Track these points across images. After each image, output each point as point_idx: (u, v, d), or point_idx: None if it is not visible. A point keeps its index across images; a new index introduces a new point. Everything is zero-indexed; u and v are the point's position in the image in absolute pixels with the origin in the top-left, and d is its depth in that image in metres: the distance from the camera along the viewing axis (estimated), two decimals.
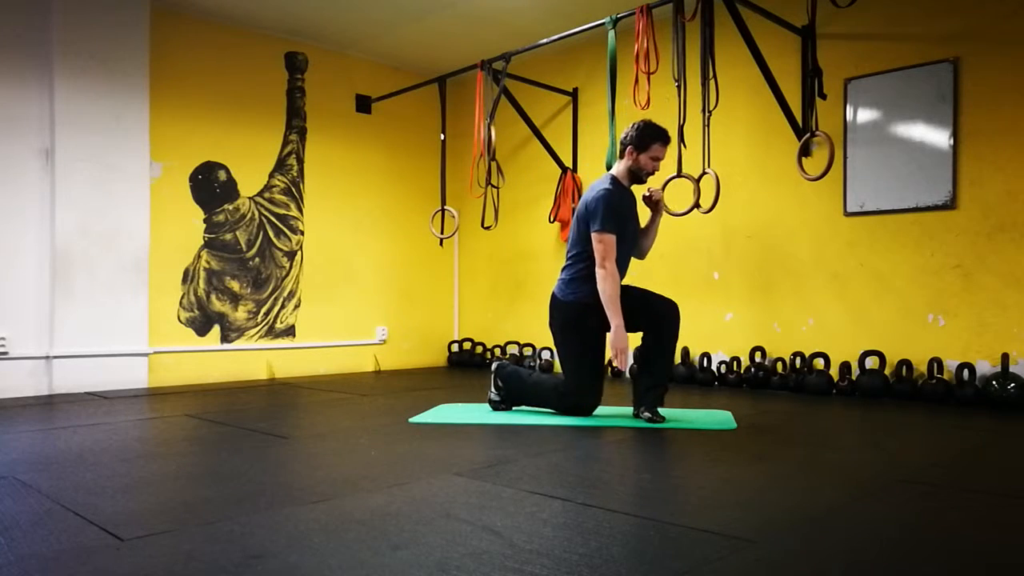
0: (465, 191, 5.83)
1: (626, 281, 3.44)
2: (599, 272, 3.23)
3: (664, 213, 3.53)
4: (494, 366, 3.66)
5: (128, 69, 4.61)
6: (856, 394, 4.12)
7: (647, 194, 3.43)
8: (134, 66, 4.63)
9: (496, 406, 3.60)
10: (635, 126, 3.32)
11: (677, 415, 3.40)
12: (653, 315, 3.32)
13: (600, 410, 3.58)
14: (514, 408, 3.62)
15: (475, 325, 6.44)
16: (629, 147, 3.33)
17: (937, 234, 4.03)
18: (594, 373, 3.37)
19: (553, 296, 3.46)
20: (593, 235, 3.26)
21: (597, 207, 3.25)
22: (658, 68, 3.97)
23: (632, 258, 3.52)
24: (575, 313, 3.36)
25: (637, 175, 3.37)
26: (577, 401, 3.37)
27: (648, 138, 3.29)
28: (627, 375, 3.35)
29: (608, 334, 3.28)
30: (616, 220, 3.26)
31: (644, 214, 3.53)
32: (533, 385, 3.53)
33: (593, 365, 3.37)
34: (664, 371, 3.31)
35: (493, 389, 3.62)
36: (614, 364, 3.23)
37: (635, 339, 3.45)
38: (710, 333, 4.88)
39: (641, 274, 4.93)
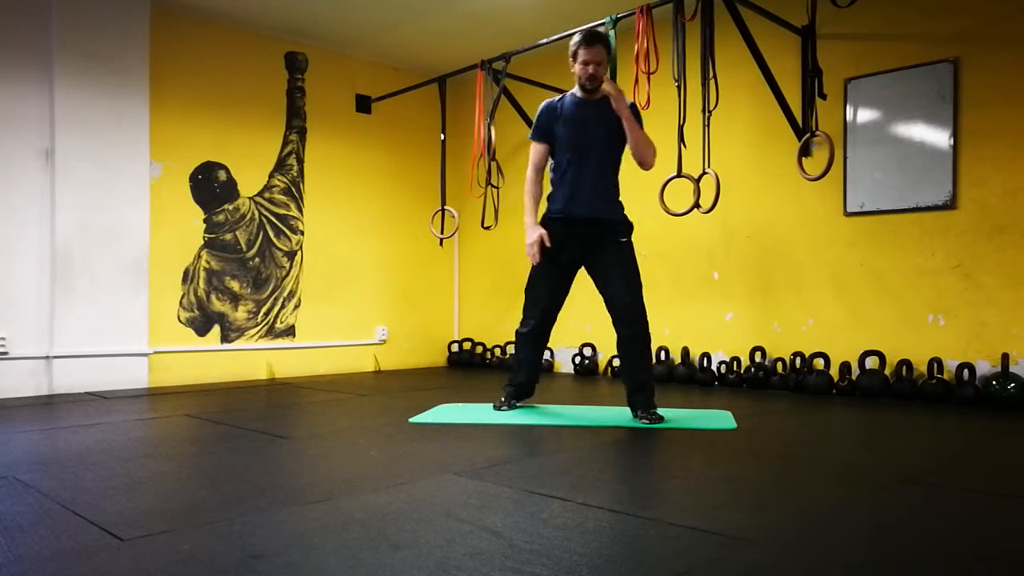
0: (465, 191, 5.83)
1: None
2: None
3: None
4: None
5: (128, 69, 4.61)
6: (856, 394, 4.12)
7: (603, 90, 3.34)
8: (134, 66, 4.63)
9: (497, 406, 3.58)
10: None
11: (677, 415, 3.40)
12: (616, 313, 3.31)
13: (600, 410, 3.58)
14: (516, 407, 3.59)
15: (475, 325, 6.44)
16: (570, 59, 3.34)
17: (937, 234, 4.03)
18: (534, 283, 3.45)
19: None
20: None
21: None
22: (658, 68, 3.97)
23: (640, 168, 3.39)
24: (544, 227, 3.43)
25: (583, 86, 3.33)
26: (521, 321, 3.51)
27: (573, 45, 3.30)
28: (532, 263, 3.39)
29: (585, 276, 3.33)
30: (542, 130, 3.38)
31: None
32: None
33: (533, 276, 3.45)
34: (641, 370, 3.27)
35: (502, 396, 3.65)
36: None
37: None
38: (710, 333, 4.88)
39: (642, 274, 4.93)
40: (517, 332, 3.56)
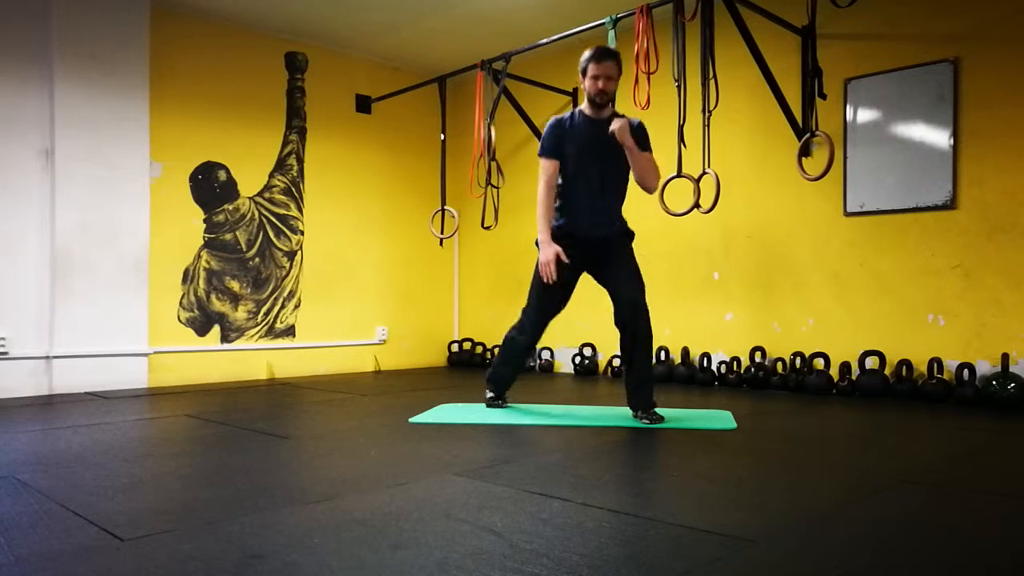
0: (465, 191, 5.83)
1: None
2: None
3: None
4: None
5: (128, 69, 4.61)
6: (856, 394, 4.12)
7: (610, 129, 3.30)
8: (134, 66, 4.63)
9: (490, 403, 3.64)
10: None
11: (677, 415, 3.40)
12: (620, 313, 3.29)
13: (600, 410, 3.58)
14: (508, 405, 3.64)
15: (475, 325, 6.44)
16: (580, 76, 3.33)
17: (937, 234, 4.03)
18: (538, 294, 3.41)
19: None
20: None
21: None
22: (658, 68, 3.97)
23: (644, 192, 3.42)
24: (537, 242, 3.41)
25: (593, 102, 3.32)
26: (518, 327, 3.50)
27: (584, 60, 3.28)
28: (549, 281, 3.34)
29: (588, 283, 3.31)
30: (554, 145, 3.33)
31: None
32: (499, 353, 3.64)
33: (537, 287, 3.40)
34: (642, 370, 3.27)
35: (487, 391, 3.69)
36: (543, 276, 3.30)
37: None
38: (710, 333, 4.88)
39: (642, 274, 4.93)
40: (512, 338, 3.53)
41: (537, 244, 3.35)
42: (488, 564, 1.49)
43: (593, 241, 3.33)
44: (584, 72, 3.29)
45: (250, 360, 5.31)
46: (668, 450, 2.73)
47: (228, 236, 5.23)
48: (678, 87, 3.82)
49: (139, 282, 4.67)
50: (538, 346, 5.73)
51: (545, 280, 3.29)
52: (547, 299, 3.42)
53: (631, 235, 3.42)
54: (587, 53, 3.29)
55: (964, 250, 3.94)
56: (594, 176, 3.33)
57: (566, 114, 3.40)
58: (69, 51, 4.40)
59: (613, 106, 3.37)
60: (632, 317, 3.26)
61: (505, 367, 3.62)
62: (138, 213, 4.67)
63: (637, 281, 3.31)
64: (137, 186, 4.66)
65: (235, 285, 5.25)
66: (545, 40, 4.78)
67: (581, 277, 3.45)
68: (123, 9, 4.59)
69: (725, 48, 4.20)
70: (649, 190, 3.39)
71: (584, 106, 3.37)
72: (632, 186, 3.42)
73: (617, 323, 3.31)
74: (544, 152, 3.36)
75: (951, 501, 2.01)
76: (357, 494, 2.04)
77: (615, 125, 3.23)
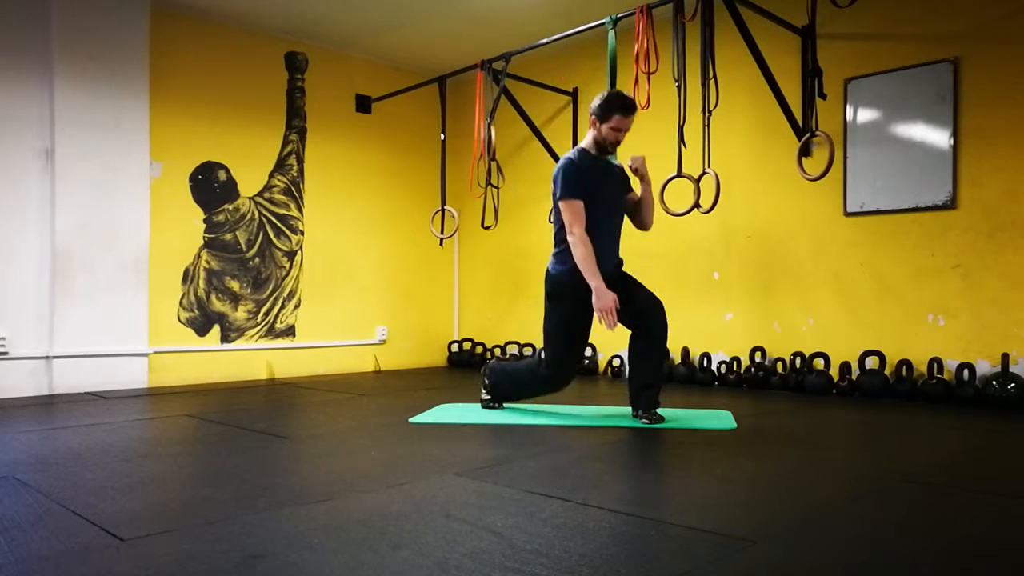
0: (465, 191, 5.83)
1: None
2: (569, 239, 3.20)
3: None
4: (482, 368, 3.70)
5: (128, 69, 4.61)
6: (856, 394, 4.12)
7: (630, 163, 3.37)
8: (134, 66, 4.63)
9: (487, 404, 3.63)
10: (601, 96, 3.28)
11: (677, 415, 3.40)
12: (637, 314, 3.28)
13: (600, 410, 3.58)
14: (504, 406, 3.64)
15: (475, 325, 6.44)
16: (593, 117, 3.29)
17: (937, 234, 4.02)
18: (570, 345, 3.36)
19: (546, 271, 3.46)
20: (560, 204, 3.25)
21: (557, 177, 3.28)
22: (658, 68, 3.97)
23: (639, 230, 3.49)
24: (559, 285, 3.35)
25: (602, 146, 3.32)
26: (550, 372, 3.37)
27: (609, 108, 3.23)
28: (610, 330, 3.30)
29: (593, 301, 3.20)
30: (579, 186, 3.22)
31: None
32: (511, 372, 3.57)
33: (570, 336, 3.35)
34: (656, 370, 3.29)
35: (482, 389, 3.66)
36: (603, 325, 3.18)
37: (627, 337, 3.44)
38: (710, 333, 4.88)
39: (642, 274, 4.92)
40: (540, 380, 3.40)
41: (559, 287, 3.31)
42: (488, 564, 1.49)
43: (612, 278, 3.30)
44: (605, 118, 3.24)
45: (250, 360, 5.31)
46: (668, 450, 2.73)
47: (228, 236, 5.23)
48: (678, 87, 3.82)
49: (139, 282, 4.67)
50: (538, 347, 5.74)
51: (608, 328, 3.17)
52: (579, 342, 3.38)
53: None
54: (613, 100, 3.23)
55: (964, 250, 3.94)
56: (611, 214, 3.35)
57: (572, 155, 3.32)
58: (69, 51, 4.40)
59: None
60: (653, 312, 3.27)
61: (516, 391, 3.57)
62: (138, 213, 4.67)
63: (652, 294, 3.35)
64: (137, 186, 4.66)
65: (235, 285, 5.25)
66: (545, 40, 4.78)
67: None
68: (123, 9, 4.59)
69: (725, 48, 4.20)
70: (647, 227, 3.49)
71: (588, 147, 3.34)
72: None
73: (632, 322, 3.29)
74: (572, 194, 3.21)
75: (951, 501, 2.01)
76: (357, 494, 2.04)
77: (635, 162, 3.33)
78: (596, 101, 3.27)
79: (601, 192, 3.28)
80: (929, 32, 4.05)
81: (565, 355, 3.35)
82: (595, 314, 3.20)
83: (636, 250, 3.44)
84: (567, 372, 3.38)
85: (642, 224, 3.47)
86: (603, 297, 3.14)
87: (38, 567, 1.49)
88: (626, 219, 3.46)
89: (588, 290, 3.19)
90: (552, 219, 3.44)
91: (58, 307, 4.38)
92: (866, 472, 2.36)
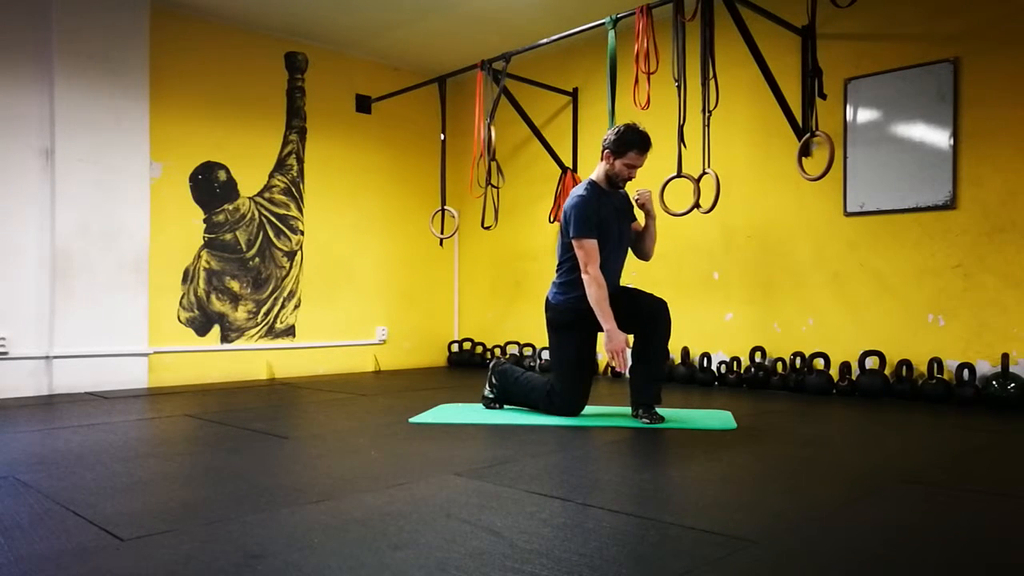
0: (465, 191, 5.83)
1: (625, 280, 3.43)
2: (584, 278, 3.21)
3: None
4: (492, 364, 3.70)
5: (128, 69, 4.61)
6: (856, 394, 4.12)
7: (636, 198, 3.39)
8: (134, 66, 4.63)
9: (488, 404, 3.64)
10: (616, 130, 3.26)
11: (677, 415, 3.40)
12: (642, 315, 3.29)
13: (600, 410, 3.58)
14: (505, 407, 3.64)
15: (475, 325, 6.44)
16: (607, 151, 3.28)
17: (937, 234, 4.02)
18: (580, 376, 3.38)
19: (546, 299, 3.48)
20: (573, 243, 3.25)
21: (571, 214, 3.26)
22: (658, 68, 3.97)
23: (639, 259, 3.55)
24: (564, 316, 3.37)
25: (614, 181, 3.33)
26: (563, 402, 3.38)
27: (625, 145, 3.23)
28: (626, 375, 3.33)
29: (601, 336, 3.26)
30: (592, 224, 3.23)
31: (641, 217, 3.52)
32: (523, 384, 3.55)
33: (579, 368, 3.38)
34: (658, 370, 3.31)
35: (487, 386, 3.66)
36: (612, 366, 3.21)
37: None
38: (710, 333, 4.88)
39: (641, 274, 4.94)
40: (559, 412, 3.38)
41: (562, 315, 3.34)
42: (488, 564, 1.49)
43: (612, 295, 3.30)
44: (620, 153, 3.24)
45: (250, 360, 5.31)
46: (668, 450, 2.73)
47: (228, 236, 5.23)
48: (678, 87, 3.82)
49: (139, 282, 4.67)
50: (538, 347, 5.74)
51: (620, 369, 3.19)
52: (588, 372, 3.42)
53: None
54: (631, 136, 3.22)
55: (964, 250, 3.94)
56: (617, 250, 3.38)
57: (582, 189, 3.31)
58: (69, 51, 4.40)
59: None
60: (656, 317, 3.27)
61: (523, 400, 3.56)
62: (138, 213, 4.67)
63: (655, 297, 3.36)
64: (137, 186, 4.66)
65: (235, 285, 5.25)
66: (545, 40, 4.78)
67: None
68: (123, 9, 4.58)
69: (725, 48, 4.20)
70: (647, 258, 3.54)
71: (599, 180, 3.35)
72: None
73: (644, 325, 3.29)
74: (585, 233, 3.21)
75: (951, 501, 2.01)
76: (357, 494, 2.04)
77: (642, 197, 3.35)
78: (611, 135, 3.26)
79: (611, 230, 3.31)
80: (929, 32, 4.05)
81: (575, 387, 3.38)
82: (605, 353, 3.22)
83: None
84: (579, 403, 3.40)
85: (643, 254, 3.52)
86: (615, 339, 3.16)
87: (38, 567, 1.49)
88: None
89: (591, 319, 3.23)
90: (558, 249, 3.46)
91: (58, 307, 4.38)
92: (866, 472, 2.36)
